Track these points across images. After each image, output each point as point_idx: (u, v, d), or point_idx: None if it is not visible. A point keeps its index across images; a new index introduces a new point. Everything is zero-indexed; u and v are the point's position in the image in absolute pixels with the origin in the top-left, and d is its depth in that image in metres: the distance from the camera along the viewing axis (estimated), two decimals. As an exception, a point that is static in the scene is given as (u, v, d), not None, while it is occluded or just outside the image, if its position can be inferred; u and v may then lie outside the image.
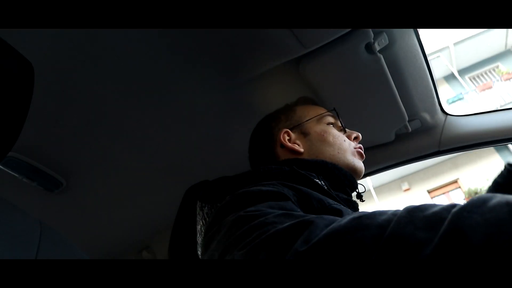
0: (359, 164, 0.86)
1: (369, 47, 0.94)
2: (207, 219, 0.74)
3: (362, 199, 0.88)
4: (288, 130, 0.88)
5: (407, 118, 1.16)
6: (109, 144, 1.10)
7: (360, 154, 0.88)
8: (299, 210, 0.56)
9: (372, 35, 0.91)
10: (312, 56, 0.95)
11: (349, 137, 0.90)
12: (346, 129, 0.93)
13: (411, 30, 0.96)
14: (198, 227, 0.77)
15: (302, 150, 0.85)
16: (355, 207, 0.80)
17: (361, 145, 0.91)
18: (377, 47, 0.94)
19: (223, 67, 0.96)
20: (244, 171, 0.81)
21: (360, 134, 0.92)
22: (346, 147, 0.86)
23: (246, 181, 0.73)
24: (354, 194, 0.88)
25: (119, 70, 0.91)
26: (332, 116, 0.93)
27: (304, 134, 0.88)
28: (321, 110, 0.94)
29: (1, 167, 1.05)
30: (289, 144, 0.86)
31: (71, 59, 0.85)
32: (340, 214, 0.59)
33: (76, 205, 1.29)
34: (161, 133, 1.12)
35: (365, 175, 1.37)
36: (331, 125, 0.91)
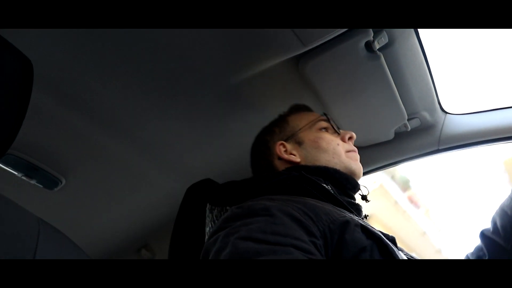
0: (356, 165, 0.87)
1: (369, 46, 0.94)
2: (216, 221, 0.75)
3: (368, 200, 0.89)
4: (283, 142, 0.91)
5: (406, 117, 1.16)
6: (108, 142, 1.10)
7: (354, 157, 0.90)
8: (295, 230, 0.56)
9: (372, 33, 0.91)
10: (311, 54, 0.95)
11: (343, 138, 0.92)
12: (341, 130, 0.95)
13: (411, 29, 0.96)
14: (207, 229, 0.78)
15: (298, 159, 0.87)
16: (358, 209, 0.81)
17: (354, 148, 0.92)
18: (377, 46, 0.94)
19: (222, 65, 0.95)
20: (251, 176, 0.83)
21: (354, 134, 0.93)
22: (340, 151, 0.88)
23: (255, 188, 0.75)
24: (359, 195, 0.90)
25: (119, 68, 0.91)
26: (325, 121, 0.95)
27: (298, 143, 0.90)
28: (314, 116, 0.95)
29: (0, 164, 1.05)
30: (285, 156, 0.88)
31: (70, 56, 0.85)
32: (347, 225, 0.60)
33: (75, 203, 1.29)
34: (160, 132, 1.12)
35: (364, 174, 1.38)
36: (324, 130, 0.92)
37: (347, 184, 0.83)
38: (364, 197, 0.90)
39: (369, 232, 0.61)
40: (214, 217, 0.77)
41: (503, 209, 0.89)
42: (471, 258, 0.96)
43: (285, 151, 0.89)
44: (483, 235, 0.93)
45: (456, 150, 1.24)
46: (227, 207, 0.75)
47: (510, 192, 0.89)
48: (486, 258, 0.90)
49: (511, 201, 0.88)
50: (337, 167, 0.84)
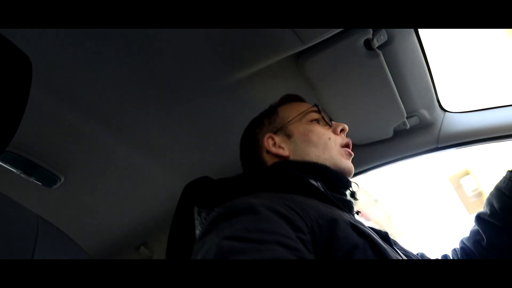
0: (346, 164, 0.84)
1: (368, 44, 0.93)
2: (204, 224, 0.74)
3: (356, 198, 0.86)
4: (271, 134, 0.87)
5: (405, 115, 1.16)
6: (107, 140, 1.10)
7: (347, 153, 0.86)
8: (280, 226, 0.55)
9: (371, 31, 0.91)
10: (310, 52, 0.95)
11: (334, 131, 0.87)
12: (333, 122, 0.90)
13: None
14: (197, 232, 0.76)
15: (287, 153, 0.84)
16: (350, 205, 0.80)
17: (348, 142, 0.88)
18: (376, 44, 0.94)
19: (222, 63, 0.95)
20: (240, 173, 0.81)
21: (346, 126, 0.89)
22: (332, 146, 0.84)
23: (242, 186, 0.73)
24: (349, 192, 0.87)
25: (118, 67, 0.90)
26: (316, 112, 0.90)
27: (288, 136, 0.86)
28: (305, 107, 0.91)
29: (-1, 162, 1.05)
30: (274, 149, 0.85)
31: (69, 54, 0.85)
32: (336, 222, 0.59)
33: (74, 200, 1.29)
34: (159, 130, 1.12)
35: (362, 172, 1.38)
36: (315, 122, 0.89)
37: (336, 181, 0.80)
38: (352, 194, 0.86)
39: (359, 231, 0.60)
40: (202, 219, 0.74)
41: (501, 191, 0.87)
42: (466, 243, 0.94)
43: (274, 144, 0.86)
44: (480, 218, 0.91)
45: (455, 148, 1.25)
46: (214, 209, 0.73)
47: (505, 173, 0.89)
48: (484, 241, 0.89)
49: (508, 183, 0.87)
50: (327, 163, 0.81)
